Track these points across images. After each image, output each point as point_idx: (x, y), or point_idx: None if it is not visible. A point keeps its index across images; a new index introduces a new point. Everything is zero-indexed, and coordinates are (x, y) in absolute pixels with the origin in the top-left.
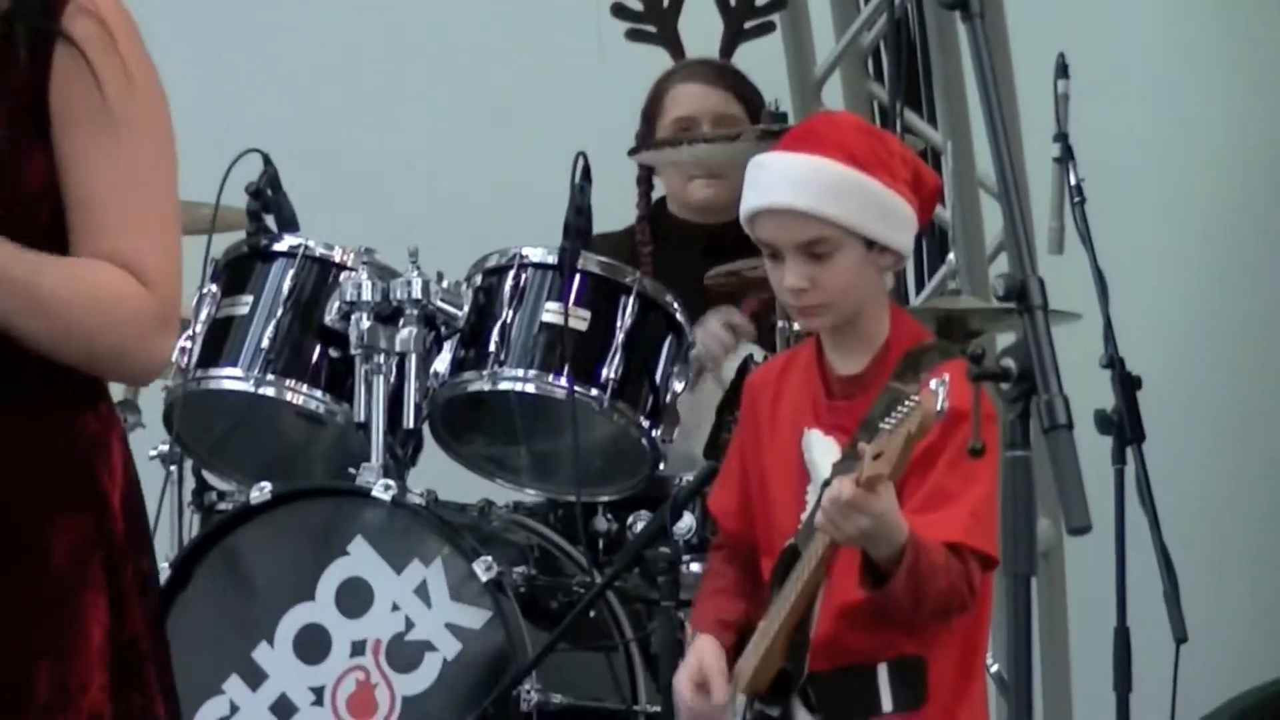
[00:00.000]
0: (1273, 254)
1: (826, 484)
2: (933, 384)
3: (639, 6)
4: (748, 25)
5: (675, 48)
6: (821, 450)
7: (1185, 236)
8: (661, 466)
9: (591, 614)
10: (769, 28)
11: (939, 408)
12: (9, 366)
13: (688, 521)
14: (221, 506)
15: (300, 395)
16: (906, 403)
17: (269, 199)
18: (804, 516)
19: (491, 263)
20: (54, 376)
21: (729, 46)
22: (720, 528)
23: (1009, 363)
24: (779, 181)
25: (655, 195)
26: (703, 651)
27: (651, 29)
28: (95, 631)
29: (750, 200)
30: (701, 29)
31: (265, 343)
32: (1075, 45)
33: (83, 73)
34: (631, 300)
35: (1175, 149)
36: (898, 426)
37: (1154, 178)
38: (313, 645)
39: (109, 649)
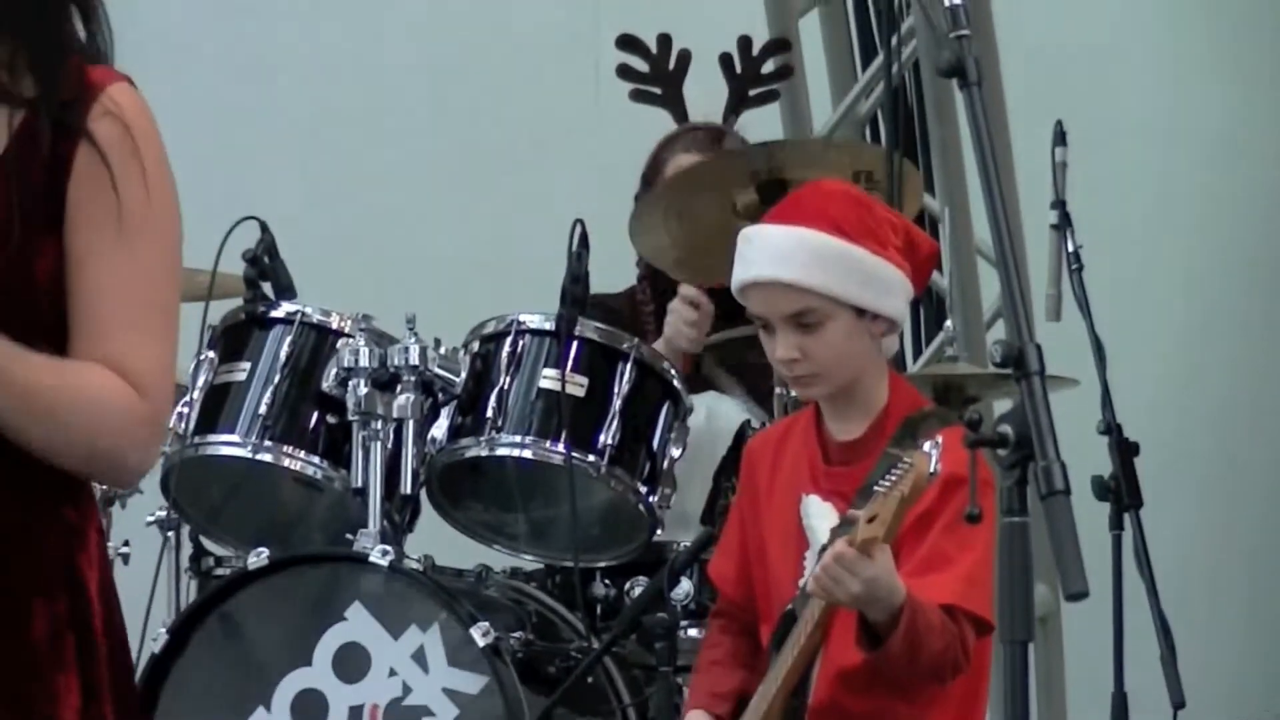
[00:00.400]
0: (1270, 322)
1: (824, 549)
2: (926, 446)
3: (644, 68)
4: (752, 93)
5: (679, 110)
6: (819, 516)
7: (1183, 304)
8: (659, 532)
9: (589, 680)
10: (773, 96)
11: (932, 470)
12: (4, 462)
13: (685, 587)
14: (219, 572)
15: (298, 461)
16: (900, 465)
17: (266, 266)
18: (802, 582)
19: (489, 329)
20: (44, 473)
21: (732, 112)
22: (720, 595)
23: (1006, 429)
24: (764, 254)
25: None
26: None
27: (656, 91)
28: (67, 715)
29: (738, 273)
30: (705, 91)
31: (263, 409)
32: (1073, 113)
33: (101, 175)
34: (629, 367)
35: (1173, 216)
36: (891, 489)
37: (1152, 245)
38: (310, 711)
39: None
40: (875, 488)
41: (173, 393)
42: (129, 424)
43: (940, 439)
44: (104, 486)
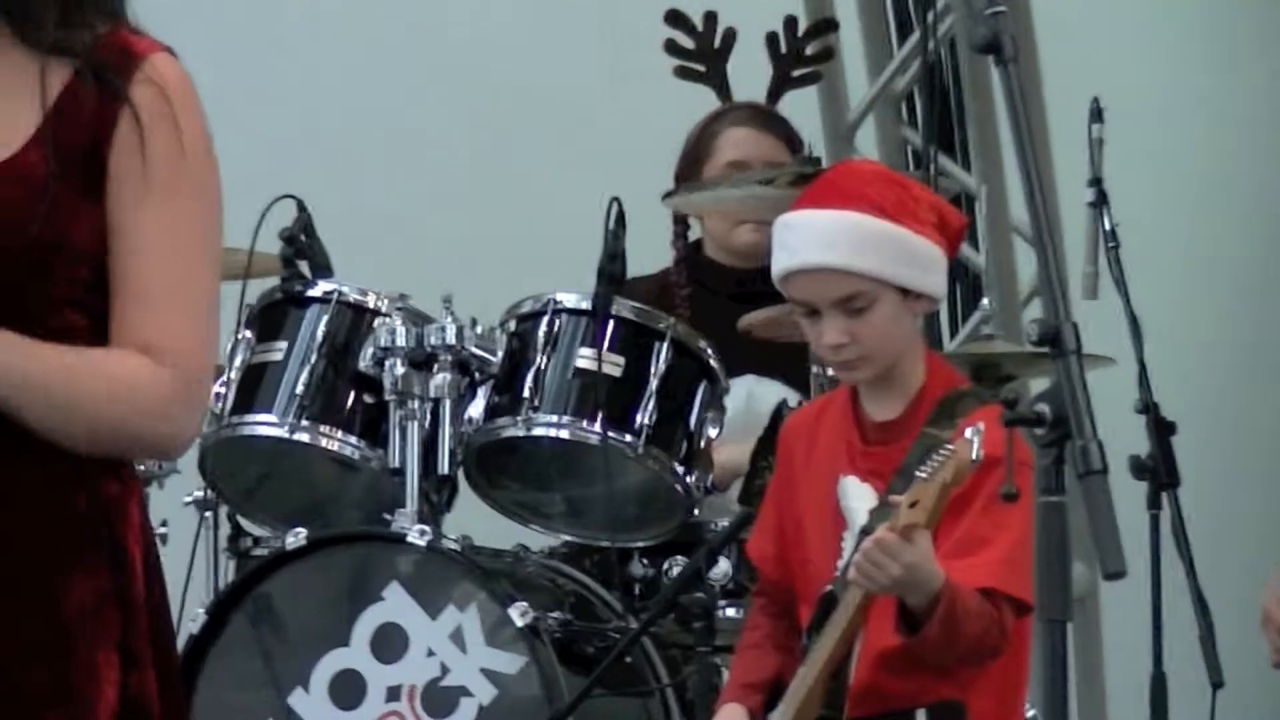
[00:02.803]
0: None
1: (863, 531)
2: (968, 432)
3: (690, 45)
4: (796, 73)
5: (723, 89)
6: (857, 496)
7: (1220, 281)
8: (696, 511)
9: (627, 659)
10: (816, 77)
11: (974, 456)
12: (39, 440)
13: (723, 567)
14: (256, 553)
15: (335, 441)
16: (942, 451)
17: (303, 245)
18: (840, 563)
19: (525, 308)
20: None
21: (775, 93)
22: (760, 574)
23: (1043, 408)
24: (809, 240)
25: (690, 237)
26: None
27: (700, 69)
28: (108, 691)
29: (781, 261)
30: (747, 72)
31: (299, 388)
32: (1110, 89)
33: (145, 137)
34: (665, 346)
35: (1213, 192)
36: (933, 475)
37: (1190, 222)
38: (348, 691)
39: (120, 708)
40: (916, 473)
41: (210, 356)
42: (150, 400)
43: (982, 424)
44: (144, 465)
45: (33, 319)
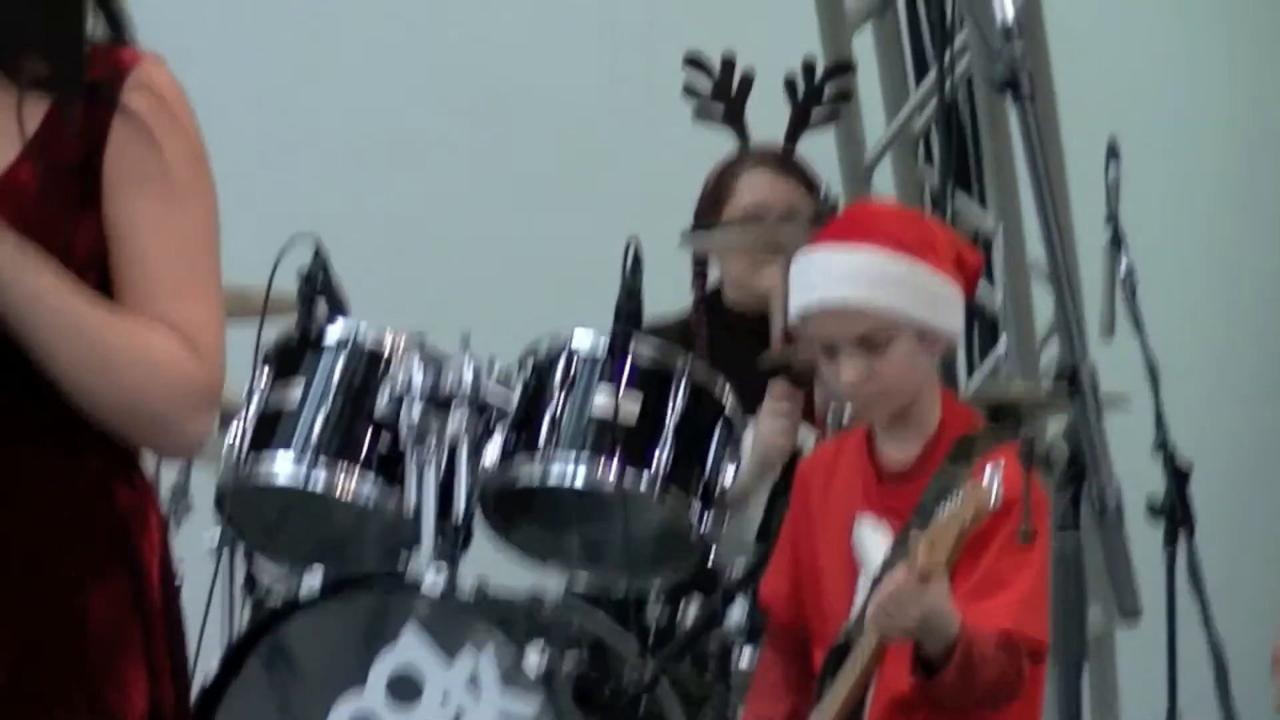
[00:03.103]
0: None
1: (880, 570)
2: (987, 472)
3: (707, 88)
4: (814, 116)
5: (741, 132)
6: (873, 536)
7: (1238, 322)
8: (713, 553)
9: (644, 702)
10: (834, 117)
11: (994, 497)
12: (48, 427)
13: (740, 608)
14: (272, 595)
15: (351, 483)
16: (961, 491)
17: (320, 284)
18: (855, 605)
19: (542, 348)
20: (93, 445)
21: (793, 134)
22: (772, 615)
23: (1060, 448)
24: (830, 276)
25: (711, 281)
26: None
27: (719, 111)
28: (138, 701)
29: (800, 298)
30: (765, 115)
31: (316, 429)
32: (1128, 127)
33: (140, 144)
34: (682, 386)
35: (1230, 231)
36: (952, 515)
37: (1208, 263)
38: None
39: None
40: (934, 514)
41: (224, 360)
42: (186, 386)
43: (1001, 463)
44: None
45: None
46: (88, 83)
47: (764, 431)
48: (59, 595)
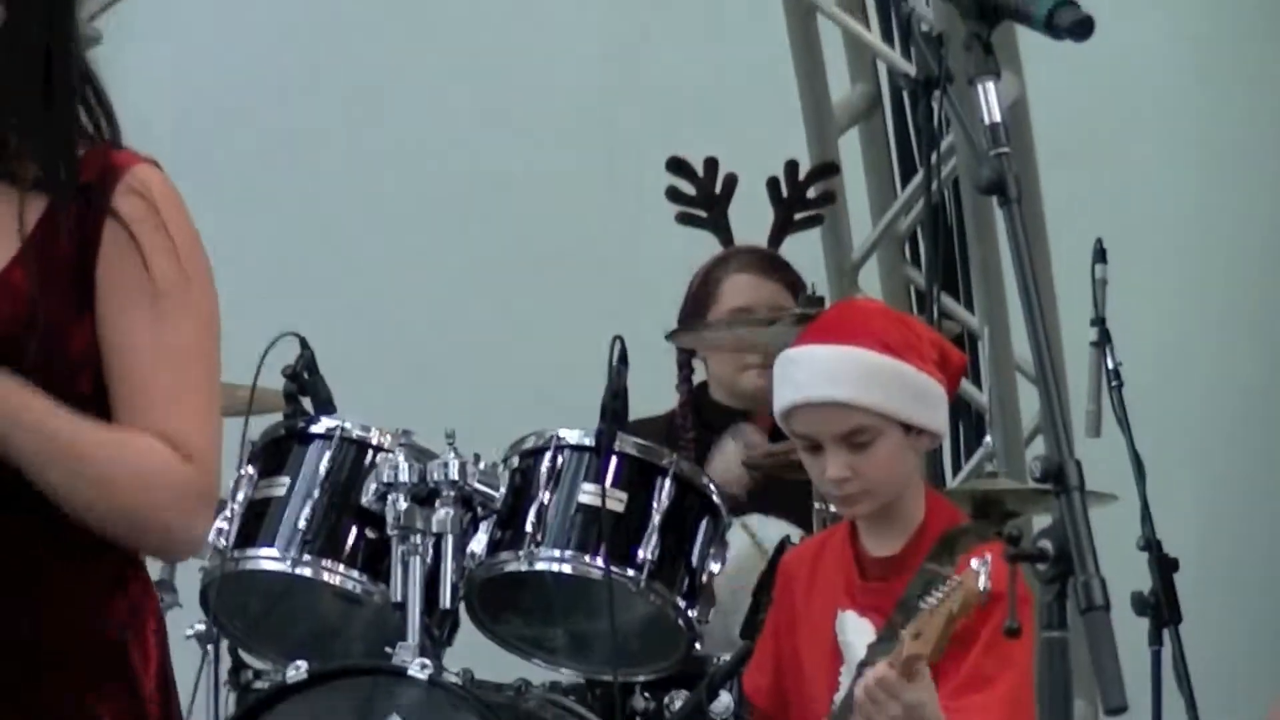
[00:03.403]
0: None
1: (862, 665)
2: (974, 564)
3: (691, 191)
4: (798, 217)
5: (725, 234)
6: (856, 631)
7: (1223, 419)
8: (698, 646)
9: None
10: (818, 220)
11: (982, 588)
12: (53, 542)
13: (725, 701)
14: (258, 685)
15: (337, 575)
16: (949, 582)
17: (306, 381)
18: (837, 698)
19: (528, 444)
20: (96, 563)
21: (778, 236)
22: (754, 707)
23: (1046, 544)
24: (815, 374)
25: (696, 379)
26: None
27: (702, 214)
28: None
29: (786, 395)
30: (749, 215)
31: (302, 523)
32: (1113, 229)
33: (129, 252)
34: (668, 482)
35: (1211, 332)
36: (939, 606)
37: (1193, 361)
38: None
39: None
40: (921, 604)
41: (219, 462)
42: (178, 492)
43: (989, 555)
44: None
45: None
46: (80, 185)
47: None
48: (66, 712)
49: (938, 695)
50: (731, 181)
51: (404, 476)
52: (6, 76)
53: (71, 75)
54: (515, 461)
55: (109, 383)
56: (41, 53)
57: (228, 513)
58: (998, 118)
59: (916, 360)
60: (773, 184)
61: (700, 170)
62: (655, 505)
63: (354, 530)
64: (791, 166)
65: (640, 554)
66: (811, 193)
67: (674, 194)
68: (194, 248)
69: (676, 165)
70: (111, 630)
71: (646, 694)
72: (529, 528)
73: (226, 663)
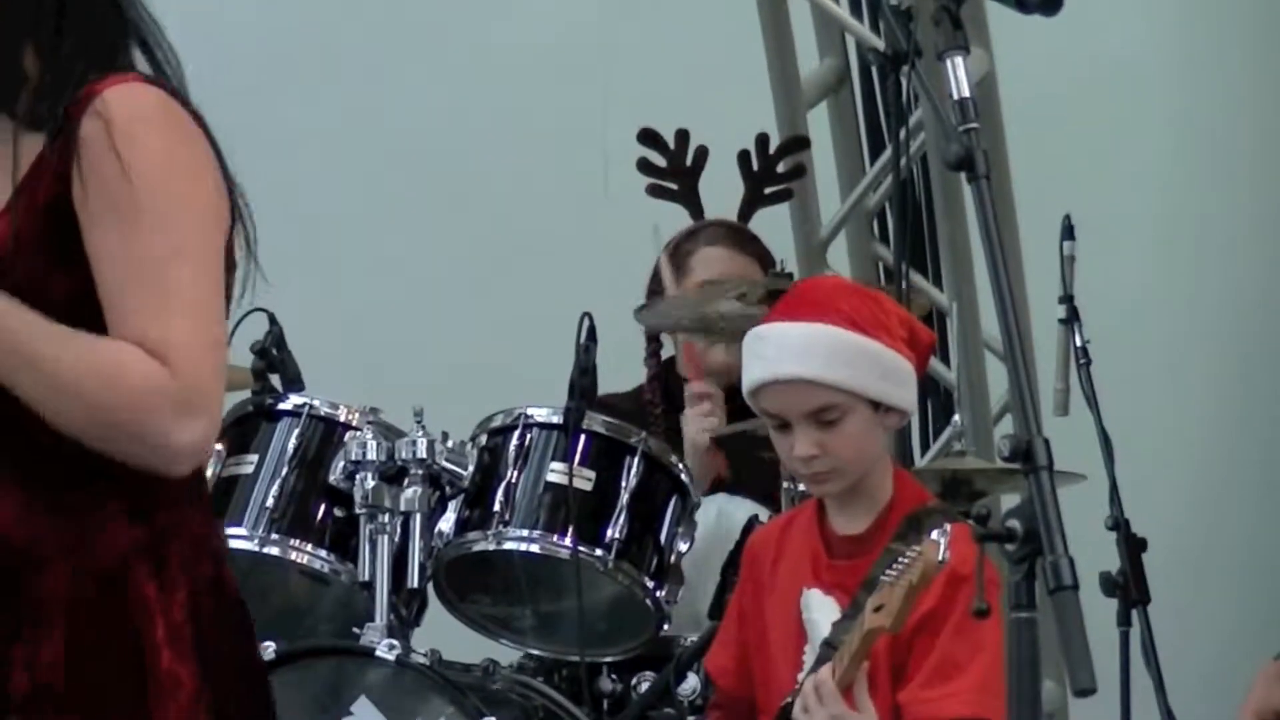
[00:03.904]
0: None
1: (826, 643)
2: (934, 534)
3: (662, 163)
4: (768, 191)
5: (695, 207)
6: (821, 609)
7: (1191, 398)
8: (666, 627)
9: None
10: (788, 195)
11: (941, 558)
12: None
13: (692, 682)
14: None
15: (305, 555)
16: (908, 554)
17: (274, 358)
18: (801, 676)
19: (496, 422)
20: (91, 476)
21: (747, 210)
22: (717, 687)
23: (1014, 524)
24: (783, 351)
25: (666, 354)
26: None
27: (672, 186)
28: None
29: (754, 372)
30: (719, 189)
31: (270, 502)
32: (1081, 206)
33: (93, 169)
34: (636, 460)
35: (1180, 309)
36: (899, 578)
37: (1161, 340)
38: None
39: None
40: (882, 578)
41: (214, 368)
42: (154, 396)
43: (948, 526)
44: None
45: None
46: (65, 116)
47: (692, 432)
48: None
49: (910, 686)
50: (703, 154)
51: (372, 455)
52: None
53: (91, 6)
54: (483, 440)
55: (102, 305)
56: None
57: None
58: (966, 93)
59: (885, 338)
60: (743, 157)
61: (671, 142)
62: (624, 484)
63: (322, 509)
64: (762, 139)
65: (608, 533)
66: (782, 167)
67: (645, 165)
68: (160, 158)
69: (647, 136)
70: (105, 560)
71: (614, 675)
72: (497, 507)
73: None
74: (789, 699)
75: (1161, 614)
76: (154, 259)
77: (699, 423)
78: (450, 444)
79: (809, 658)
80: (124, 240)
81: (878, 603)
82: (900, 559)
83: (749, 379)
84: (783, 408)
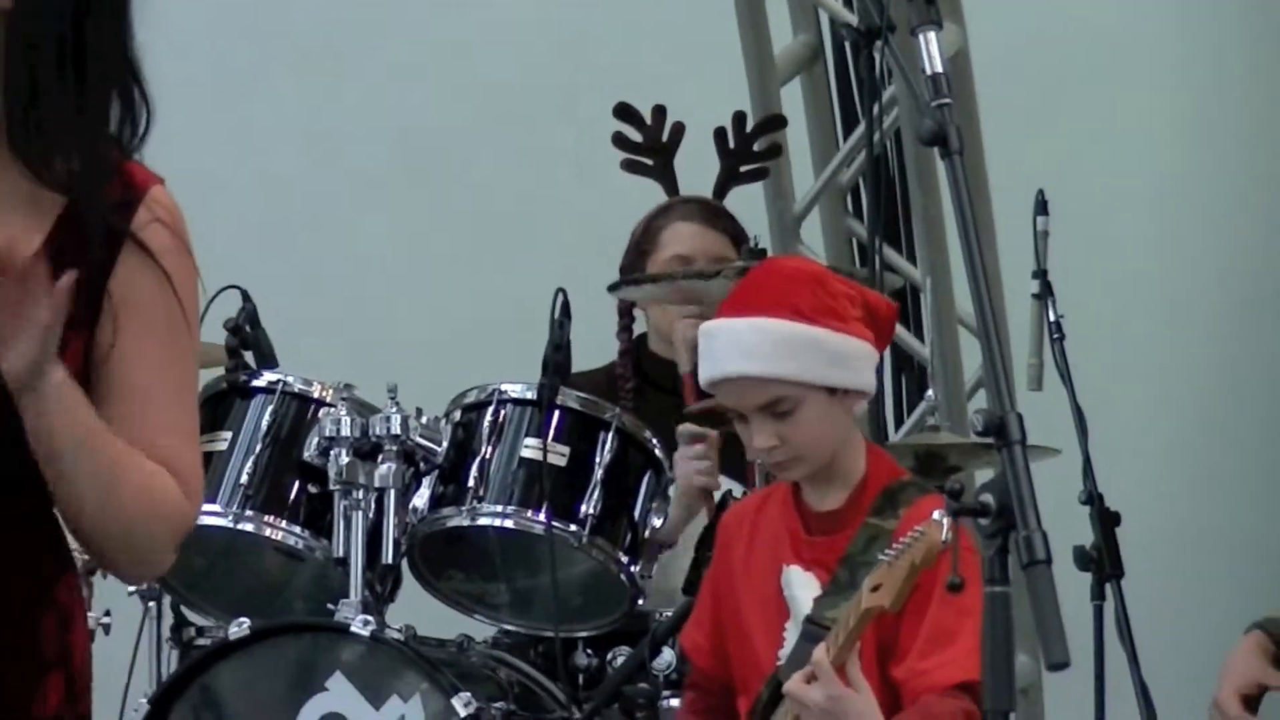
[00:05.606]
0: (1252, 389)
1: (808, 620)
2: (936, 514)
3: (638, 138)
4: (743, 169)
5: (670, 183)
6: (801, 585)
7: (1166, 372)
8: (641, 602)
9: None
10: (763, 173)
11: (944, 537)
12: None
13: (667, 657)
14: (200, 642)
15: (279, 531)
16: (910, 533)
17: (248, 335)
18: (783, 653)
19: (470, 398)
20: (43, 544)
21: (723, 188)
22: (692, 665)
23: (988, 498)
24: (729, 349)
25: (637, 330)
26: None
27: (648, 162)
28: None
29: (706, 370)
30: (694, 166)
31: (244, 478)
32: (1054, 181)
33: (153, 276)
34: (610, 436)
35: (1160, 284)
36: (898, 557)
37: (1134, 315)
38: None
39: None
40: (880, 556)
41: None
42: (176, 522)
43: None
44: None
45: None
46: (104, 201)
47: (681, 475)
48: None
49: (905, 662)
50: (679, 130)
51: (346, 431)
52: (37, 54)
53: (110, 66)
54: (457, 416)
55: (111, 397)
56: (69, 35)
57: None
58: (940, 68)
59: (834, 322)
60: (719, 135)
61: (648, 118)
62: (598, 460)
63: (296, 485)
64: (739, 118)
65: (582, 509)
66: (758, 145)
67: (620, 140)
68: (194, 288)
69: (624, 112)
70: (53, 618)
71: (589, 650)
72: (471, 483)
73: (169, 620)
74: (777, 668)
75: (1135, 588)
76: (188, 378)
77: (691, 466)
78: (424, 420)
79: (790, 634)
80: (171, 354)
81: (875, 582)
82: (883, 540)
83: (702, 376)
84: (735, 403)
